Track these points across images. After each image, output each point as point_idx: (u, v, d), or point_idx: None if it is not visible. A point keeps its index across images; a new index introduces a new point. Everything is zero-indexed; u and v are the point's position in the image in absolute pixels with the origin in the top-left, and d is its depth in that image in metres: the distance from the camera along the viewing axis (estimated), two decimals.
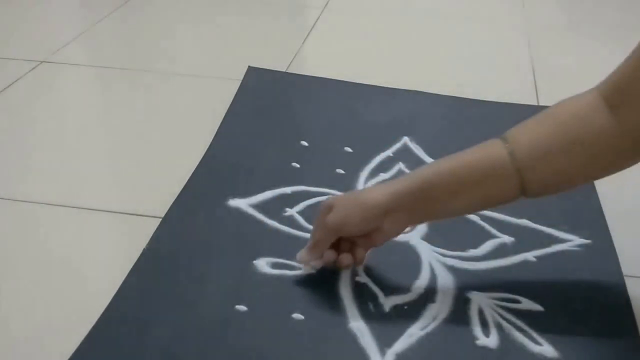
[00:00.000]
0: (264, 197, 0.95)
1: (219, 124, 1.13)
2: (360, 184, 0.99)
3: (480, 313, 0.77)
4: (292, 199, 0.95)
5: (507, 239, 0.89)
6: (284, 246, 0.86)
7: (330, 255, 0.79)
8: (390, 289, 0.80)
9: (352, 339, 0.73)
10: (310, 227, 0.88)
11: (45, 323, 0.76)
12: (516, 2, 1.73)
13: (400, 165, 1.04)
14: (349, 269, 0.82)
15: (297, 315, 0.76)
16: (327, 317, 0.76)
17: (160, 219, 0.91)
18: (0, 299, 0.79)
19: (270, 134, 1.11)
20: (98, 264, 0.85)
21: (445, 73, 1.36)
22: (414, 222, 0.82)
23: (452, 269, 0.84)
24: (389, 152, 1.07)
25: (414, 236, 0.89)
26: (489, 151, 0.75)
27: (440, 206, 0.76)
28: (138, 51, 1.45)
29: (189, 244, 0.87)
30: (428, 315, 0.77)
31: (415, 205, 0.76)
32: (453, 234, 0.90)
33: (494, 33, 1.57)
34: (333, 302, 0.78)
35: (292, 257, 0.84)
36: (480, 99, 1.24)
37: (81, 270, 0.83)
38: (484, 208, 0.83)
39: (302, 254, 0.81)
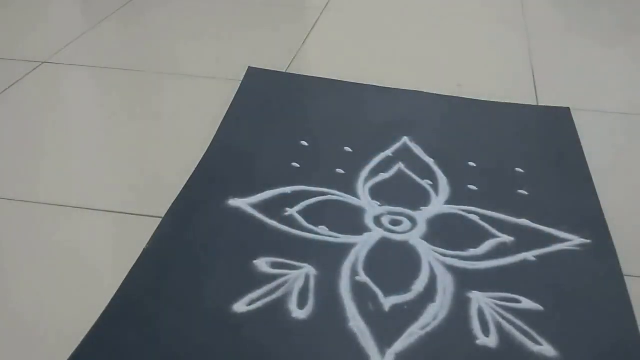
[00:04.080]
0: (264, 197, 0.95)
1: (219, 124, 1.13)
2: (360, 184, 0.99)
3: (480, 313, 0.77)
4: (292, 199, 0.95)
5: (507, 238, 0.89)
6: (284, 246, 0.86)
7: None
8: (390, 289, 0.80)
9: (352, 339, 0.73)
10: (310, 226, 0.89)
11: (46, 323, 0.76)
12: (516, 3, 1.73)
13: (400, 165, 1.04)
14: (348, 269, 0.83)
15: (297, 315, 0.76)
16: (327, 317, 0.76)
17: (160, 219, 0.91)
18: (2, 298, 0.79)
19: (270, 134, 1.11)
20: (98, 264, 0.85)
21: (445, 73, 1.36)
22: None
23: (451, 269, 0.84)
24: (388, 152, 1.07)
25: (414, 236, 0.89)
26: None
27: None
28: (139, 52, 1.45)
29: (189, 244, 0.87)
30: (428, 314, 0.77)
31: None
32: (453, 234, 0.90)
33: (494, 33, 1.57)
34: (333, 302, 0.78)
35: (292, 256, 0.84)
36: (480, 99, 1.24)
37: (81, 270, 0.83)
38: None
39: None
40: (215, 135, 1.10)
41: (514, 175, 1.03)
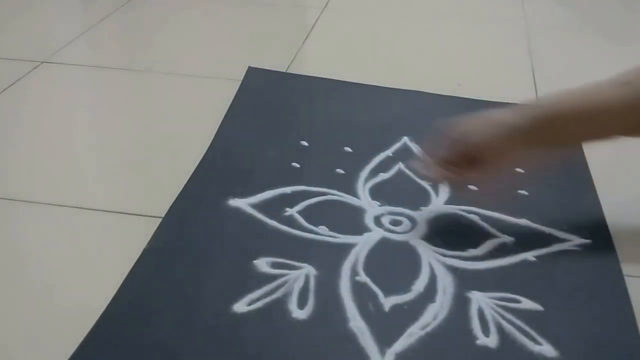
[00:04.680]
0: (264, 197, 0.95)
1: (219, 124, 1.13)
2: (360, 184, 0.99)
3: (480, 313, 0.77)
4: (292, 199, 0.95)
5: (507, 238, 0.89)
6: (284, 246, 0.86)
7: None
8: (390, 289, 0.80)
9: (352, 339, 0.73)
10: (310, 226, 0.89)
11: (45, 323, 0.76)
12: (516, 2, 1.73)
13: (400, 165, 1.04)
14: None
15: (297, 315, 0.76)
16: (327, 317, 0.76)
17: (160, 219, 0.91)
18: (0, 298, 0.79)
19: (270, 134, 1.11)
20: (98, 264, 0.85)
21: (445, 73, 1.36)
22: (530, 147, 0.84)
23: (452, 269, 0.84)
24: (388, 152, 1.07)
25: (414, 236, 0.89)
26: (616, 91, 0.81)
27: (560, 138, 0.84)
28: (138, 51, 1.45)
29: (189, 244, 0.87)
30: (428, 314, 0.77)
31: (537, 131, 0.82)
32: (453, 234, 0.90)
33: (494, 33, 1.57)
34: (333, 302, 0.78)
35: (292, 256, 0.84)
36: (480, 99, 1.24)
37: (81, 270, 0.83)
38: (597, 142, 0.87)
39: (422, 165, 0.89)
40: (215, 135, 1.10)
41: (514, 175, 1.03)
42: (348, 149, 1.08)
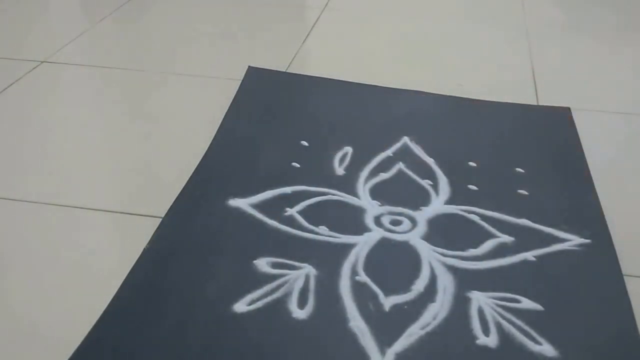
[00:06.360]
0: (264, 197, 0.95)
1: (219, 124, 1.13)
2: (361, 184, 0.99)
3: (480, 312, 0.77)
4: (292, 199, 0.95)
5: (507, 238, 0.89)
6: (284, 246, 0.86)
7: None
8: (390, 289, 0.80)
9: (352, 339, 0.73)
10: (311, 226, 0.89)
11: (46, 322, 0.76)
12: (516, 2, 1.73)
13: (400, 165, 1.04)
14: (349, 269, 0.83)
15: (297, 315, 0.76)
16: (327, 316, 0.76)
17: (160, 219, 0.91)
18: (2, 298, 0.79)
19: (270, 134, 1.12)
20: (98, 264, 0.85)
21: (445, 73, 1.36)
22: None
23: (452, 269, 0.84)
24: (389, 152, 1.07)
25: (414, 236, 0.89)
26: None
27: None
28: (138, 51, 1.45)
29: (189, 244, 0.87)
30: (428, 314, 0.77)
31: None
32: (453, 234, 0.90)
33: (494, 33, 1.57)
34: (333, 302, 0.78)
35: (292, 256, 0.84)
36: (480, 99, 1.24)
37: (81, 270, 0.84)
38: None
39: None
40: (215, 135, 1.10)
41: (514, 175, 1.03)
42: (348, 149, 1.08)
